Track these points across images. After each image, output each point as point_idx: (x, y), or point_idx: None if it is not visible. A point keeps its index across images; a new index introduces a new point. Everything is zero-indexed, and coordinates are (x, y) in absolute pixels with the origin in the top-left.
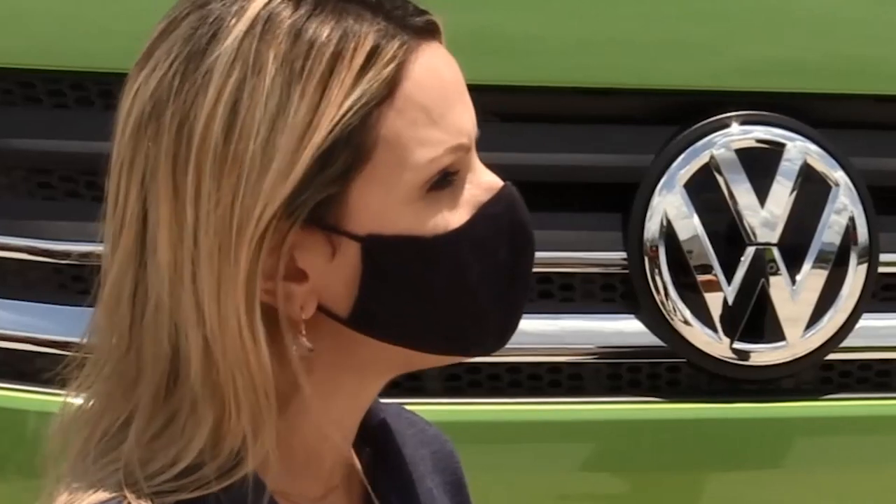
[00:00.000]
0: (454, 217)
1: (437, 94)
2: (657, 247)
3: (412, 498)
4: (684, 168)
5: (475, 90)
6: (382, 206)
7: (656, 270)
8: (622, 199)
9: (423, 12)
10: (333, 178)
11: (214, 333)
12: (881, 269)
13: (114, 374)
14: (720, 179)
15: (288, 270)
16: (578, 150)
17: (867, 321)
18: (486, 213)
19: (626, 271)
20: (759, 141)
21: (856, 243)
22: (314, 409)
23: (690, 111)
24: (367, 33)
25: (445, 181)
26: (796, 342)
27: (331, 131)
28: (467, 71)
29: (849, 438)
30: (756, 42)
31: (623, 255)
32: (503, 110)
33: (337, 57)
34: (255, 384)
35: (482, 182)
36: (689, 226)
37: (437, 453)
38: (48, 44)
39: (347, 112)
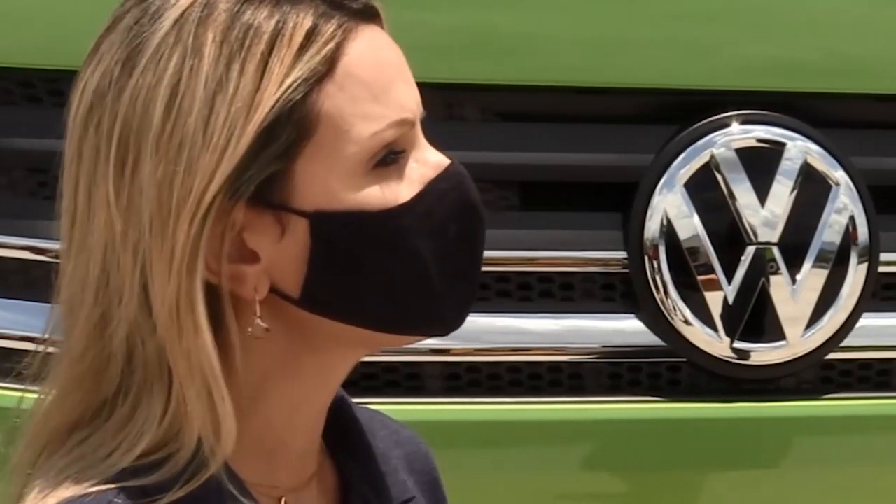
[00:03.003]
0: (401, 193)
1: (377, 72)
2: (657, 246)
3: (385, 489)
4: (684, 167)
5: (475, 90)
6: (328, 181)
7: (656, 270)
8: (622, 199)
9: None
10: (277, 154)
11: (159, 316)
12: (881, 269)
13: (77, 370)
14: (720, 179)
15: (239, 252)
16: (578, 149)
17: (867, 320)
18: (433, 190)
19: (627, 271)
20: (759, 140)
21: (856, 243)
22: (277, 394)
23: (690, 111)
24: (305, 14)
25: (390, 158)
26: (796, 342)
27: (272, 107)
28: (467, 71)
29: (849, 438)
30: (756, 42)
31: (623, 254)
32: (503, 110)
33: (276, 36)
34: (202, 367)
35: (429, 160)
36: (690, 225)
37: (412, 454)
38: (48, 44)
39: (288, 88)
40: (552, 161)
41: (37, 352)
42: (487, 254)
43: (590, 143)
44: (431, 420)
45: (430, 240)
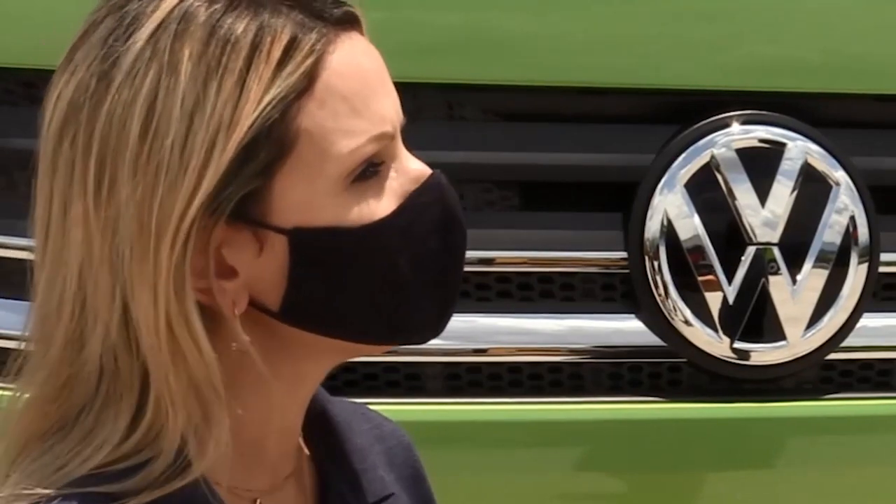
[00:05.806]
0: (380, 207)
1: (357, 84)
2: (658, 246)
3: (363, 487)
4: (685, 167)
5: (475, 90)
6: (307, 198)
7: (657, 270)
8: (623, 199)
9: (341, 3)
10: (256, 172)
11: (144, 336)
12: (882, 269)
13: (53, 383)
14: (721, 179)
15: (218, 267)
16: (579, 149)
17: (868, 320)
18: (414, 203)
19: (627, 271)
20: (759, 140)
21: (856, 243)
22: (254, 400)
23: (691, 111)
24: (283, 26)
25: (370, 172)
26: (797, 342)
27: (251, 126)
28: (467, 71)
29: (849, 438)
30: (756, 42)
31: (623, 254)
32: (503, 110)
33: (254, 51)
34: (197, 380)
35: (410, 171)
36: (690, 225)
37: (393, 448)
38: (48, 44)
39: (267, 106)
40: (552, 161)
41: (30, 351)
42: (488, 254)
43: (590, 143)
44: (432, 420)
45: (409, 253)
